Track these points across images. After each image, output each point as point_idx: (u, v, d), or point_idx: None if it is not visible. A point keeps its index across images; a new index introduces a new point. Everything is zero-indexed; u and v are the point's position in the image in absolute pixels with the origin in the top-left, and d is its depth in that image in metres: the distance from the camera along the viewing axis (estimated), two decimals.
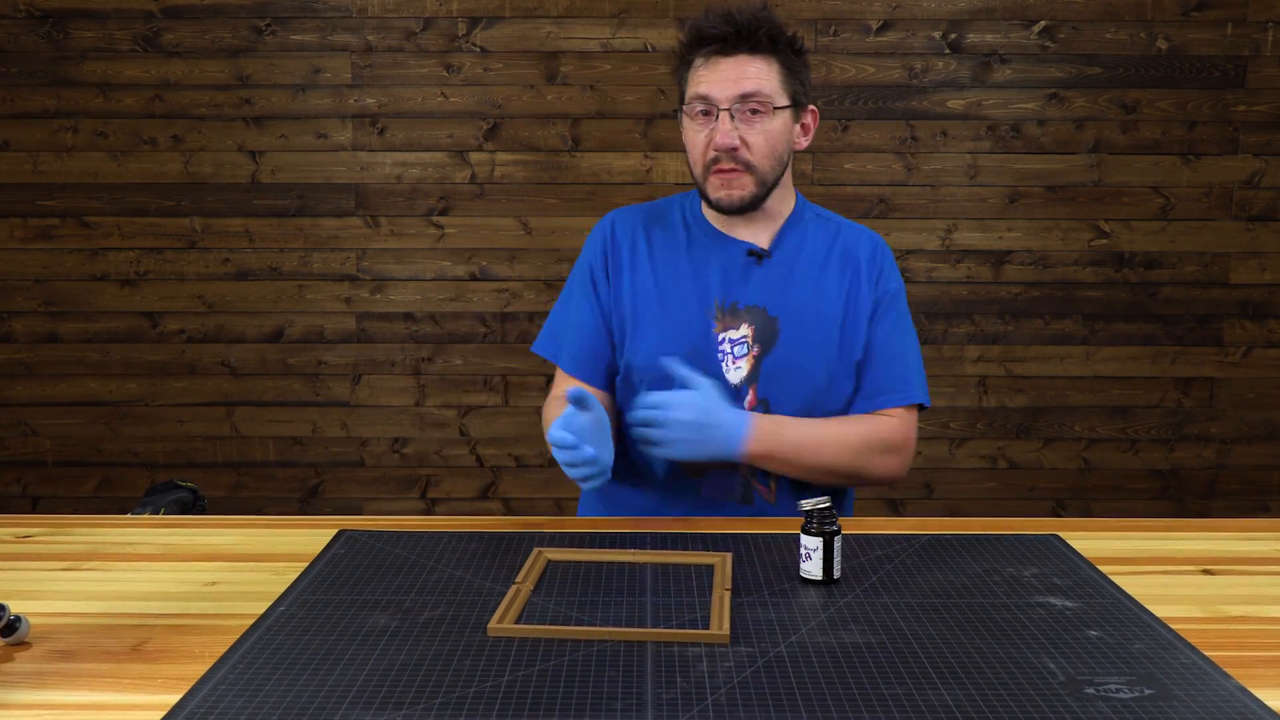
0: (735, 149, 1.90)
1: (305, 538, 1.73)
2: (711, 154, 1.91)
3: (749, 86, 1.88)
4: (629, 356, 2.01)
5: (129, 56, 3.86)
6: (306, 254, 3.96)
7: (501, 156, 3.92)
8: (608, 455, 1.76)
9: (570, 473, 1.70)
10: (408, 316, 3.98)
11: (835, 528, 1.53)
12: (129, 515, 2.72)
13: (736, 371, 1.96)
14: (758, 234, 2.03)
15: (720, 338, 1.97)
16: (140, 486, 3.99)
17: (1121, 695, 1.20)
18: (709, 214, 2.05)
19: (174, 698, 1.20)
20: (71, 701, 1.20)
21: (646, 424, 1.83)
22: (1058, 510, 4.06)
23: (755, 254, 2.00)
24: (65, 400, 4.01)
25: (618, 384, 2.06)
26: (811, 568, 1.53)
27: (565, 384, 2.06)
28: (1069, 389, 4.02)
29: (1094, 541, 1.72)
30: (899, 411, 2.00)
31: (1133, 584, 1.53)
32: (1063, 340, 4.00)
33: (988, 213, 3.95)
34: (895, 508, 4.06)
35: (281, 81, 3.88)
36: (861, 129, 3.89)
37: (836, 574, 1.53)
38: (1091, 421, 4.03)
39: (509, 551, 1.65)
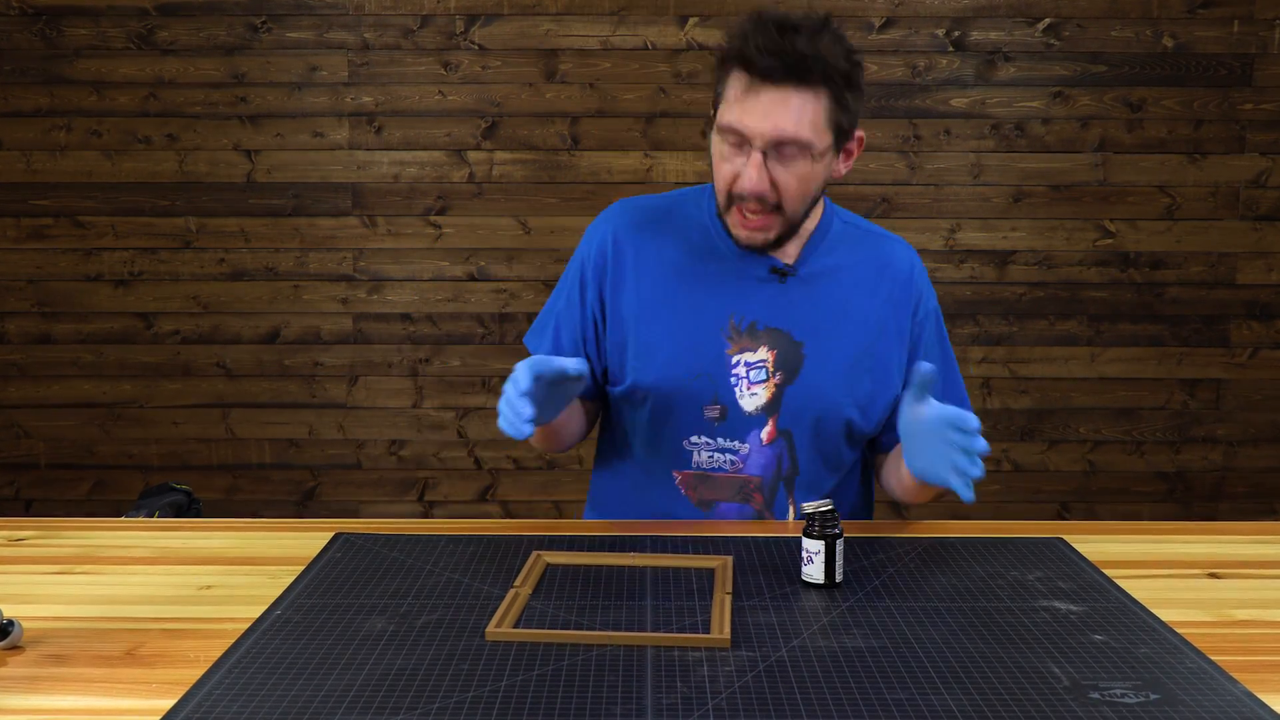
0: (763, 195, 1.72)
1: (301, 541, 1.71)
2: (738, 190, 1.73)
3: (788, 130, 1.67)
4: (634, 376, 1.86)
5: (123, 54, 3.84)
6: (303, 254, 3.93)
7: (500, 155, 3.89)
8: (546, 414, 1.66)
9: (509, 411, 1.55)
10: (405, 317, 3.95)
11: (837, 531, 1.50)
12: (123, 518, 2.68)
13: (752, 398, 1.83)
14: (783, 248, 1.86)
15: (734, 360, 1.83)
16: (134, 489, 3.96)
17: (1127, 700, 1.19)
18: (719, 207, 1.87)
19: (169, 702, 1.19)
20: (65, 706, 1.20)
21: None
22: (1062, 513, 4.04)
23: (779, 270, 1.85)
24: (58, 402, 3.99)
25: (618, 400, 1.93)
26: (813, 571, 1.50)
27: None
28: (1074, 390, 3.99)
29: (1099, 545, 1.70)
30: None
31: (1138, 588, 1.52)
32: (1067, 341, 3.98)
33: (991, 212, 3.93)
34: (898, 510, 4.02)
35: (277, 80, 3.86)
36: (863, 127, 3.80)
37: (838, 577, 1.50)
38: (1096, 423, 4.01)
39: (507, 555, 1.63)
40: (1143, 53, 3.86)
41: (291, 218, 3.92)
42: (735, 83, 1.71)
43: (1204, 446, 4.03)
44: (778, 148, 1.70)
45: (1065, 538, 1.72)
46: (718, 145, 1.75)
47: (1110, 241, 3.93)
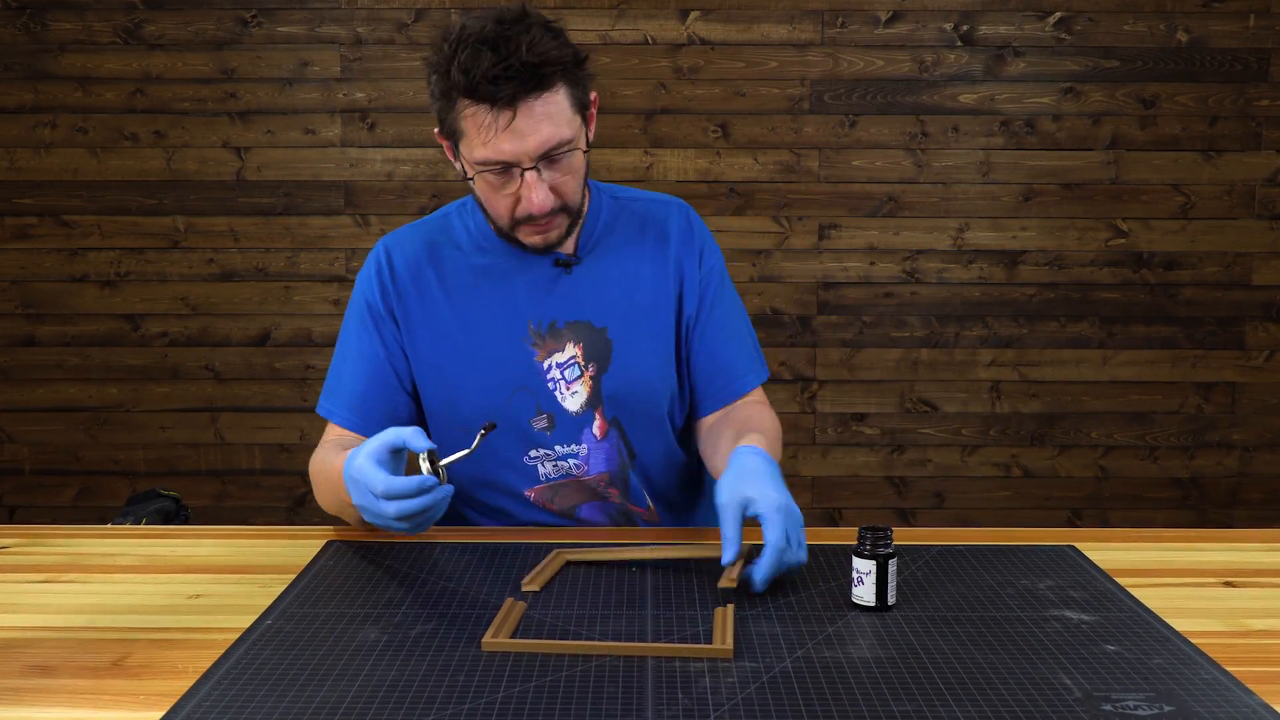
0: (551, 208, 1.68)
1: (292, 549, 1.71)
2: (524, 214, 1.69)
3: (550, 137, 1.63)
4: (448, 408, 1.81)
5: (109, 49, 3.81)
6: (294, 254, 3.89)
7: None
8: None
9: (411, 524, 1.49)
10: None
11: (890, 550, 1.43)
12: (109, 525, 2.71)
13: (574, 398, 1.80)
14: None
15: (545, 365, 1.79)
16: (121, 495, 3.92)
17: (1140, 712, 1.18)
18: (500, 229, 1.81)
19: (157, 714, 1.18)
20: (50, 718, 1.19)
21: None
22: (1074, 520, 4.00)
23: (562, 263, 1.81)
24: (43, 406, 3.95)
25: (446, 439, 1.81)
26: (864, 593, 1.43)
27: (338, 435, 1.82)
28: (1085, 394, 3.94)
29: (1111, 553, 1.68)
30: (759, 392, 1.90)
31: (1152, 597, 1.50)
32: (1079, 343, 3.93)
33: (1001, 211, 3.88)
34: (905, 518, 3.97)
35: (268, 75, 3.83)
36: (870, 124, 3.81)
37: (891, 599, 1.43)
38: (1109, 428, 3.96)
39: (503, 563, 1.62)
40: (1156, 47, 3.82)
41: (282, 217, 3.88)
42: (472, 115, 1.63)
43: (1219, 451, 3.97)
44: (545, 156, 1.65)
45: (1077, 545, 1.70)
46: (481, 184, 1.69)
47: (1123, 241, 3.88)
